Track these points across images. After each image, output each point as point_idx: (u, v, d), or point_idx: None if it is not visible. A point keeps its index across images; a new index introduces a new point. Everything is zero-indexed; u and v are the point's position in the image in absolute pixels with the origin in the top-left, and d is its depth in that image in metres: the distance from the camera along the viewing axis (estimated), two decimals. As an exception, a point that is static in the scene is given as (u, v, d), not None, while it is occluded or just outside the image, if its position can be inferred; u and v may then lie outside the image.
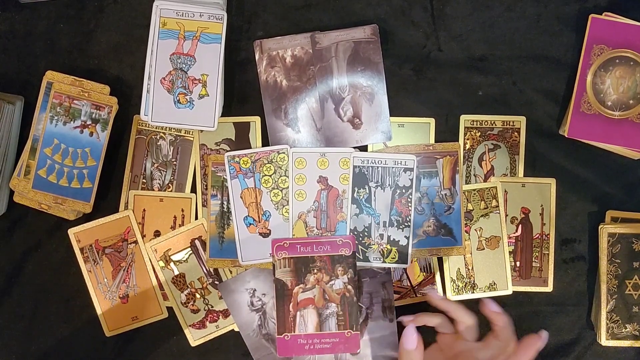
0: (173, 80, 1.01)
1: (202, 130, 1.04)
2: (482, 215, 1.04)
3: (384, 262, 1.02)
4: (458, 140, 1.05)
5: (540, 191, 1.05)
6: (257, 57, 1.04)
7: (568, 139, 1.04)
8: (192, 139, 1.06)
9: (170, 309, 1.05)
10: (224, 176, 1.03)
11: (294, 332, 1.00)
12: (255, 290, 1.03)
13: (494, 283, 1.04)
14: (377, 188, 1.02)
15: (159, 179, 1.05)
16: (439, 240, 1.03)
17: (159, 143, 1.06)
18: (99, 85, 1.02)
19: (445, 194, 1.03)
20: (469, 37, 1.06)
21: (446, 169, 1.03)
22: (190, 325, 1.05)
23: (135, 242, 1.04)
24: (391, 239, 1.01)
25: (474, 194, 1.05)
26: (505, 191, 1.05)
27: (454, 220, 1.03)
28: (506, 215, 1.05)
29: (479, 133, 1.06)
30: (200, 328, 1.05)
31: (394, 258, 1.02)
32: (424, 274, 1.05)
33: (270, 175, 1.02)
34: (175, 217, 1.05)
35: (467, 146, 1.06)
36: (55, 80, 1.02)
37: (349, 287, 1.00)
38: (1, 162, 1.02)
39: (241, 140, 1.05)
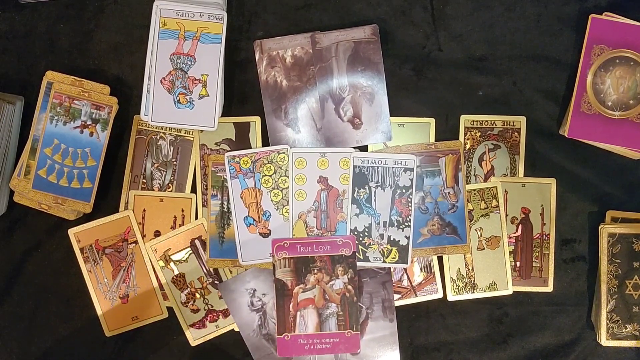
0: (173, 80, 1.01)
1: (202, 130, 1.04)
2: (482, 215, 1.04)
3: (384, 262, 1.01)
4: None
5: (541, 191, 1.05)
6: (257, 57, 1.04)
7: (568, 139, 1.04)
8: (192, 139, 1.05)
9: (170, 309, 1.05)
10: (224, 176, 1.03)
11: (294, 332, 1.00)
12: (255, 290, 1.03)
13: (494, 283, 1.04)
14: (377, 188, 1.02)
15: (159, 179, 1.05)
16: (444, 239, 1.03)
17: (159, 143, 1.06)
18: (99, 85, 1.02)
19: (449, 193, 1.03)
20: (469, 37, 1.06)
21: (449, 168, 1.03)
22: (190, 325, 1.04)
23: (135, 242, 1.04)
24: (391, 239, 1.01)
25: (474, 194, 1.05)
26: (506, 191, 1.05)
27: (458, 219, 1.03)
28: (506, 215, 1.05)
29: (479, 133, 1.06)
30: (200, 328, 1.05)
31: (394, 258, 1.02)
32: (424, 274, 1.05)
33: (270, 175, 1.02)
34: (175, 217, 1.05)
35: (468, 146, 1.06)
36: (55, 80, 1.02)
37: (349, 287, 1.00)
38: (1, 162, 1.02)
39: (241, 140, 1.05)
